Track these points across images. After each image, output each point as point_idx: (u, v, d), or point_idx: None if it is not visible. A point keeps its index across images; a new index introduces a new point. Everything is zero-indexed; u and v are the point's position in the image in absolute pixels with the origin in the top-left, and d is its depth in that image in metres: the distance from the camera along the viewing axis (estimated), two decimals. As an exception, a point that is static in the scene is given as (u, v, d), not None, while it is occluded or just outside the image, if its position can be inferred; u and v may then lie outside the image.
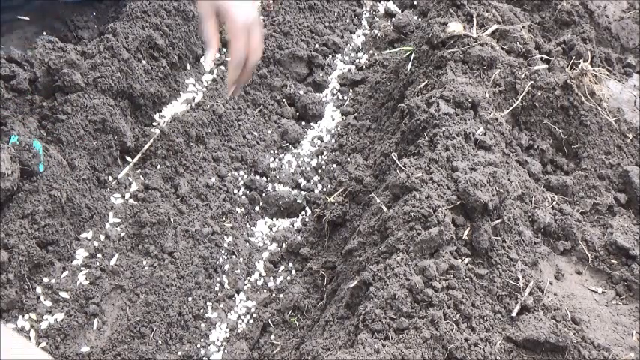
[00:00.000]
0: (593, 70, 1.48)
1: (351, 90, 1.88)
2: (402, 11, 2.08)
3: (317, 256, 1.44)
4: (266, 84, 1.80)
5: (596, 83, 1.47)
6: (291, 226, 1.57)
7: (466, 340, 1.03)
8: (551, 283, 1.19)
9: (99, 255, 1.42)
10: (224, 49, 1.87)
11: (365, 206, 1.40)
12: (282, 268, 1.48)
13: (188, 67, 1.78)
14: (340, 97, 1.87)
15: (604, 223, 1.37)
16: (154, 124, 1.65)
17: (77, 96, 1.50)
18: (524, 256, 1.17)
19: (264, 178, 1.65)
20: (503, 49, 1.52)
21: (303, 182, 1.65)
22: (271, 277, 1.46)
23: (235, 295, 1.42)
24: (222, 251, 1.48)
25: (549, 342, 1.04)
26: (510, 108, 1.46)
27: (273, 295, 1.42)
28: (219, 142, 1.66)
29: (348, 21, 2.05)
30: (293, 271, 1.46)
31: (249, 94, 1.78)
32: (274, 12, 1.98)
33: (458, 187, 1.16)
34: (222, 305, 1.39)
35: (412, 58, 1.63)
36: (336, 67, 1.93)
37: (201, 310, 1.36)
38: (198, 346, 1.32)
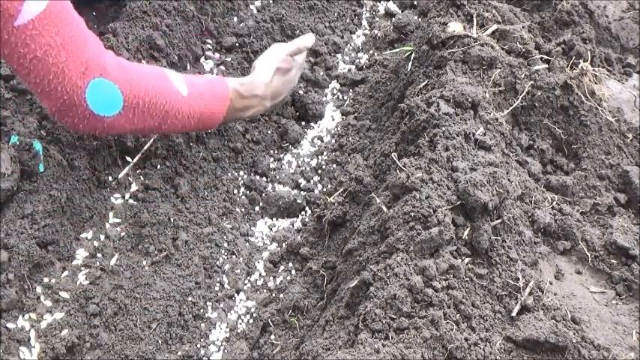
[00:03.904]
0: (593, 70, 1.48)
1: (351, 90, 1.87)
2: (402, 11, 2.08)
3: (317, 256, 1.44)
4: (266, 84, 1.80)
5: (596, 83, 1.47)
6: (291, 226, 1.57)
7: (466, 340, 1.03)
8: (551, 283, 1.19)
9: (99, 255, 1.42)
10: (224, 49, 1.87)
11: (365, 206, 1.40)
12: (282, 268, 1.48)
13: (188, 67, 1.78)
14: (340, 97, 1.86)
15: (604, 223, 1.37)
16: (153, 124, 1.65)
17: (77, 96, 1.49)
18: (524, 256, 1.18)
19: (264, 178, 1.65)
20: (503, 49, 1.52)
21: (303, 182, 1.65)
22: (271, 277, 1.46)
23: (235, 295, 1.42)
24: (222, 251, 1.48)
25: (549, 342, 1.04)
26: (510, 108, 1.46)
27: (273, 295, 1.42)
28: (219, 142, 1.66)
29: (348, 21, 2.05)
30: (293, 271, 1.46)
31: (249, 94, 1.78)
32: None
33: (458, 187, 1.16)
34: (222, 305, 1.39)
35: (412, 58, 1.63)
36: (336, 67, 1.93)
37: (201, 310, 1.36)
38: (198, 346, 1.32)
